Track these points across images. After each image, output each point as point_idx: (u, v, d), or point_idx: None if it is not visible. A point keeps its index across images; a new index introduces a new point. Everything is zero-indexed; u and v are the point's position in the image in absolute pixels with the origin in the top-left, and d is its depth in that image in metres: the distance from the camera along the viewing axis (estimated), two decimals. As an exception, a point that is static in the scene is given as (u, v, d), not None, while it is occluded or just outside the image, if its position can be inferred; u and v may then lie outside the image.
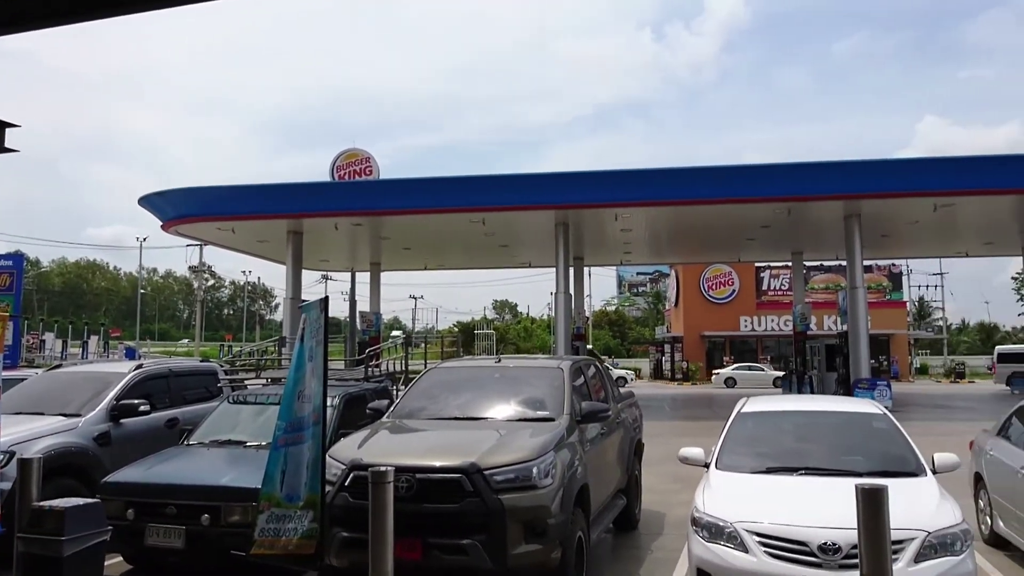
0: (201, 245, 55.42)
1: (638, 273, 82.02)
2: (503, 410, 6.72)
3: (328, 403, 6.99)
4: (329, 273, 54.54)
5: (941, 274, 68.26)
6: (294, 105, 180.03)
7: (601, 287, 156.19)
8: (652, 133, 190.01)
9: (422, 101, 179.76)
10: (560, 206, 22.97)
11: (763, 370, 41.45)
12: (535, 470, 5.38)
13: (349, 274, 38.44)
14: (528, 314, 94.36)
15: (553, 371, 7.16)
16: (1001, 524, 7.36)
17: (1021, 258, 33.49)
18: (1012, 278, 59.04)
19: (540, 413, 6.54)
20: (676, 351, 50.97)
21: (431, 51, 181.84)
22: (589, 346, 40.11)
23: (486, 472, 5.27)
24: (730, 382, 40.58)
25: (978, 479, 8.06)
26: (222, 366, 12.63)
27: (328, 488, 5.37)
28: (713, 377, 42.88)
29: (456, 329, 73.01)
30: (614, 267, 66.72)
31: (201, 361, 12.67)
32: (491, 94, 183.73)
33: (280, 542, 4.97)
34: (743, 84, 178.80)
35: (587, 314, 45.66)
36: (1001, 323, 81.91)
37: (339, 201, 23.96)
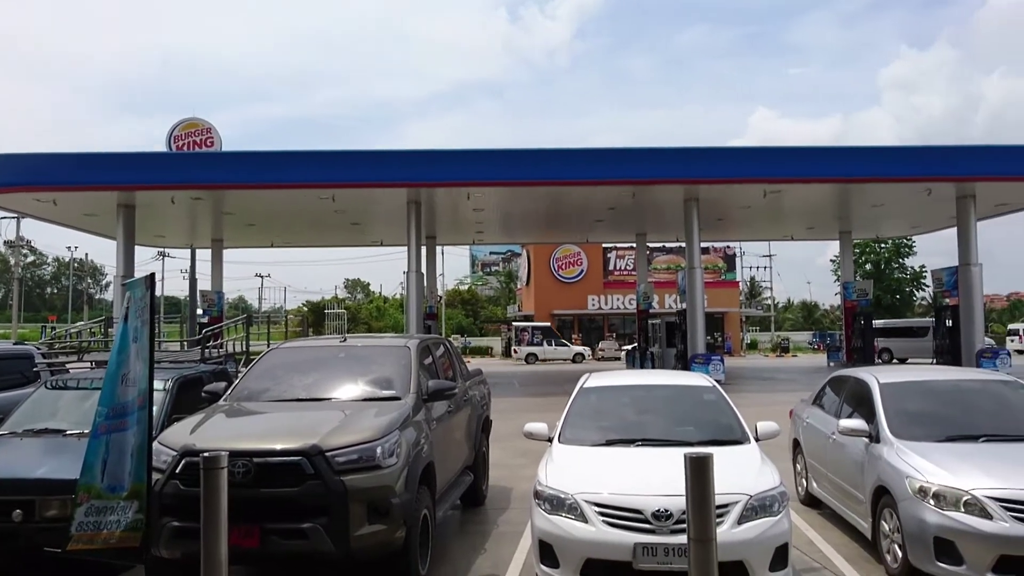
0: (18, 218, 50.79)
1: (491, 252, 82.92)
2: (348, 390, 6.57)
3: (159, 387, 6.61)
4: (166, 249, 51.52)
5: (770, 256, 73.61)
6: (128, 71, 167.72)
7: (454, 266, 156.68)
8: (507, 114, 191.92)
9: (270, 71, 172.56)
10: (413, 184, 22.73)
11: (566, 345, 44.91)
12: (379, 450, 5.30)
13: (189, 251, 36.40)
14: (381, 293, 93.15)
15: (400, 350, 7.08)
16: (815, 486, 8.01)
17: (838, 242, 36.52)
18: (830, 260, 64.32)
19: (386, 392, 6.45)
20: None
21: (279, 21, 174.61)
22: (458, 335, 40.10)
23: (328, 453, 5.14)
24: (531, 358, 43.89)
25: (796, 445, 8.74)
26: (40, 349, 11.62)
27: (157, 476, 5.06)
28: (514, 353, 45.54)
29: (305, 309, 70.98)
30: (467, 246, 67.08)
31: (15, 344, 11.59)
32: (343, 68, 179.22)
33: (101, 535, 4.62)
34: (594, 70, 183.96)
35: (440, 293, 45.69)
36: (821, 302, 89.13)
37: (176, 173, 22.53)
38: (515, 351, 45.48)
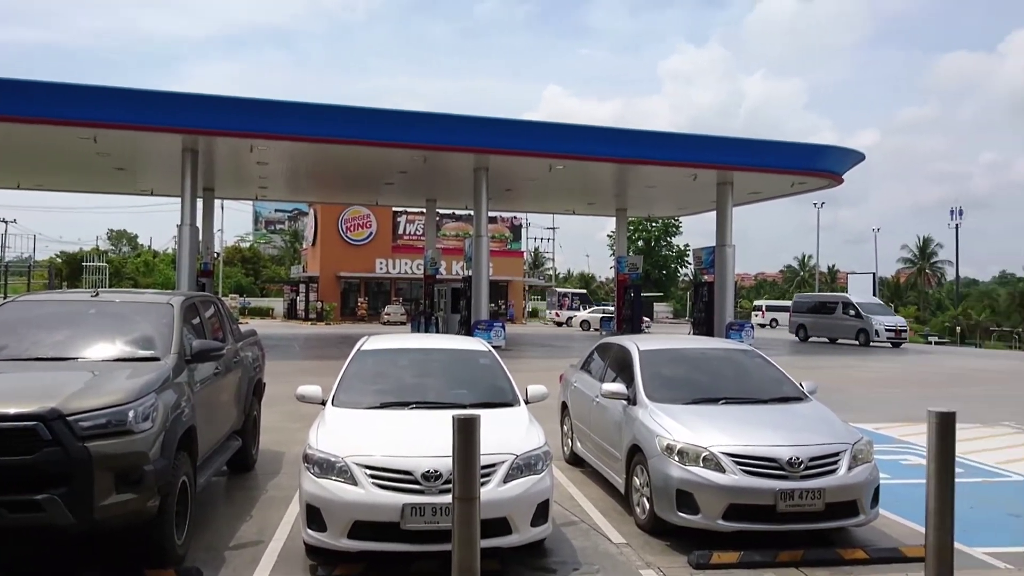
0: None
1: (276, 210, 79.56)
2: (100, 349, 6.00)
3: None
4: None
5: (554, 229, 76.93)
6: None
7: (236, 222, 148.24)
8: (296, 67, 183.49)
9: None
10: (188, 130, 21.12)
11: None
12: (131, 414, 4.90)
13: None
14: (150, 247, 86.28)
15: (162, 307, 6.57)
16: (579, 445, 8.53)
17: (614, 219, 38.85)
18: (607, 236, 68.40)
19: (144, 352, 5.97)
20: (312, 291, 50.58)
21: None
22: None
23: (70, 418, 4.67)
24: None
25: (564, 407, 9.23)
26: None
27: None
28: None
29: (59, 260, 64.11)
30: (250, 201, 63.75)
31: None
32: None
33: None
34: (391, 29, 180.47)
35: (217, 250, 43.16)
36: (597, 274, 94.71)
37: None
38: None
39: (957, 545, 4.49)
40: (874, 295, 42.36)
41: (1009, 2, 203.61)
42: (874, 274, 57.45)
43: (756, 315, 55.91)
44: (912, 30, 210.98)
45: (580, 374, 8.94)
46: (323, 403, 6.29)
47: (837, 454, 5.94)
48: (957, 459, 4.43)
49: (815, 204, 56.89)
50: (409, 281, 52.42)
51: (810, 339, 35.17)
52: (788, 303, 62.14)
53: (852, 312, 33.13)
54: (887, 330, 32.14)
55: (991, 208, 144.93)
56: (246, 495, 7.42)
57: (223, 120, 21.11)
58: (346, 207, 49.87)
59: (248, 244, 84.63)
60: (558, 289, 52.23)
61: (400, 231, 53.96)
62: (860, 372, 21.07)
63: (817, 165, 26.98)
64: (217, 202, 37.52)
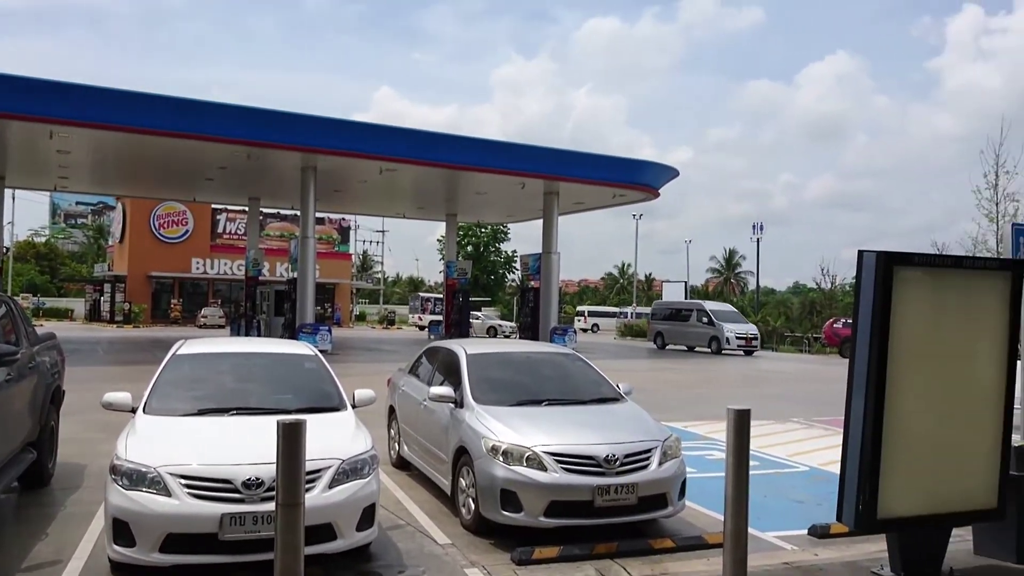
0: None
1: (78, 203, 73.11)
2: None
3: None
4: None
5: (383, 231, 76.21)
6: None
7: (30, 214, 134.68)
8: (106, 48, 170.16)
9: None
10: (-28, 111, 19.03)
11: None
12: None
13: None
14: (-75, 239, 76.66)
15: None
16: (406, 449, 8.53)
17: (445, 223, 39.11)
18: (437, 240, 68.59)
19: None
20: (118, 291, 47.01)
21: None
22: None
23: None
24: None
25: (392, 411, 9.19)
26: None
27: None
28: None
29: None
30: (47, 192, 58.22)
31: None
32: None
33: None
34: (214, 17, 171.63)
35: (7, 244, 39.17)
36: (427, 278, 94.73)
37: None
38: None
39: (751, 531, 4.92)
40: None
41: (806, 38, 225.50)
42: (686, 283, 61.53)
43: (579, 320, 58.27)
44: (721, 57, 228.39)
45: (408, 378, 8.94)
46: (133, 411, 5.91)
47: (649, 451, 6.33)
48: (753, 453, 4.88)
49: (634, 216, 60.08)
50: (229, 282, 50.00)
51: (667, 347, 34.86)
52: (610, 309, 65.52)
53: (705, 319, 33.04)
54: (738, 337, 32.01)
55: (788, 224, 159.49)
56: (42, 512, 6.80)
57: (17, 102, 19.19)
58: (160, 202, 46.84)
59: (44, 239, 77.25)
60: (421, 294, 51.94)
61: (220, 229, 51.38)
62: (675, 375, 22.51)
63: (637, 179, 28.56)
64: (8, 192, 34.00)
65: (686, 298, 48.44)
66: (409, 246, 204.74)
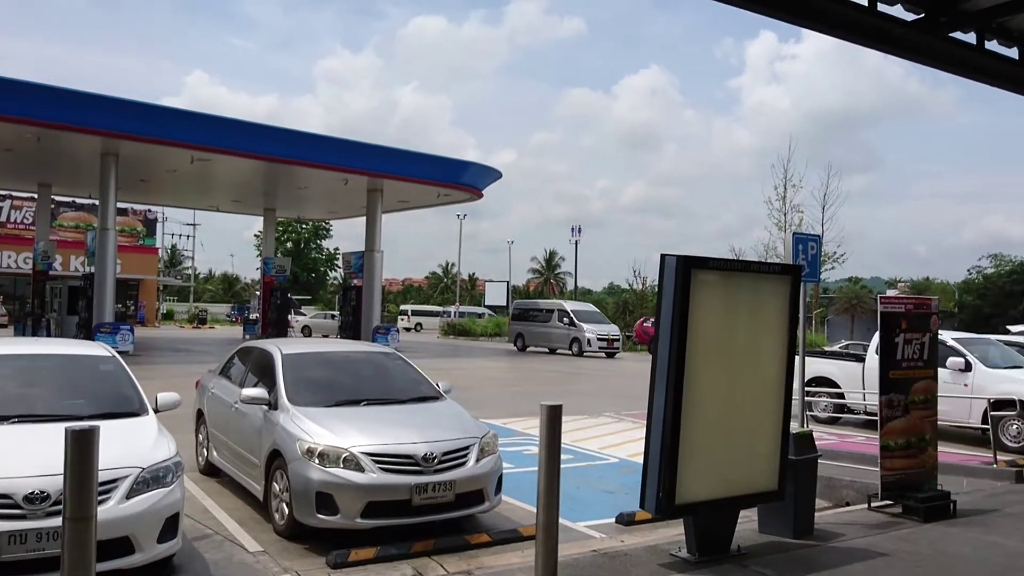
0: None
1: None
2: None
3: None
4: None
5: (195, 225, 71.76)
6: None
7: None
8: None
9: None
10: None
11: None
12: None
13: None
14: None
15: None
16: (215, 454, 8.10)
17: (262, 218, 37.54)
18: (255, 235, 65.72)
19: None
20: None
21: None
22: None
23: None
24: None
25: (200, 415, 8.71)
26: None
27: None
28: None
29: None
30: None
31: None
32: None
33: None
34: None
35: None
36: (243, 275, 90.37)
37: None
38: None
39: (563, 521, 5.14)
40: (507, 302, 46.23)
41: (623, 51, 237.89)
42: (508, 282, 62.92)
43: (402, 319, 57.90)
44: (543, 64, 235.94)
45: (219, 380, 8.51)
46: None
47: (467, 448, 6.42)
48: (566, 447, 5.08)
49: (459, 215, 60.57)
50: (13, 277, 45.17)
51: (528, 349, 33.27)
52: (434, 308, 65.59)
53: (566, 320, 31.59)
54: (600, 339, 30.78)
55: (603, 227, 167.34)
56: None
57: None
58: (-71, 186, 41.53)
59: None
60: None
61: (3, 218, 46.38)
62: (494, 372, 22.93)
63: (461, 179, 28.85)
64: None
65: (507, 299, 49.50)
66: (223, 241, 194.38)
